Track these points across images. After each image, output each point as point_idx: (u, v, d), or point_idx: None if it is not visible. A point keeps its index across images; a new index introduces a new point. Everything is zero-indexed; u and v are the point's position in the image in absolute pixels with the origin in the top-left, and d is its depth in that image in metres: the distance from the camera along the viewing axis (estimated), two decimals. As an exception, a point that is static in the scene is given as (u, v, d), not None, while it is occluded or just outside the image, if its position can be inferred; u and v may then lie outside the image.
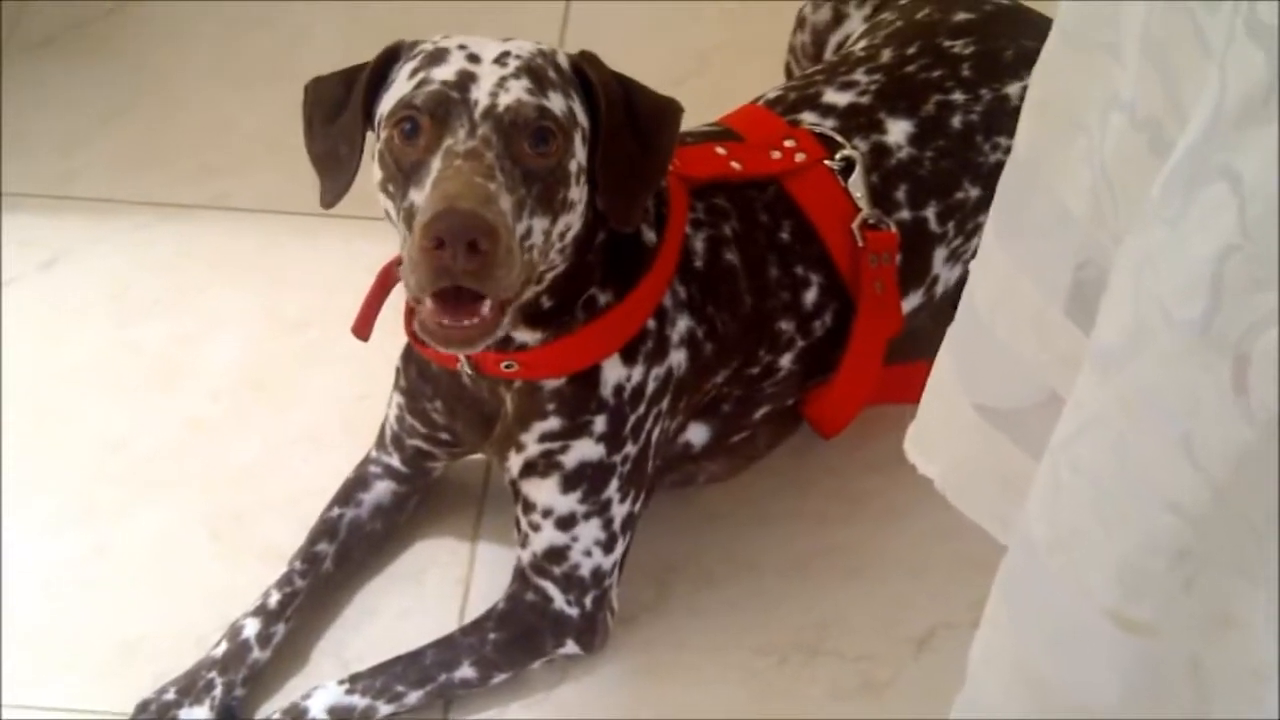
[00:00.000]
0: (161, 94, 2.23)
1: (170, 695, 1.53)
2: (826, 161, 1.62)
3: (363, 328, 1.55)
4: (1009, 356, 1.07)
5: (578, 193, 1.37)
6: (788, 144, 1.62)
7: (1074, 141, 0.98)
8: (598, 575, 1.55)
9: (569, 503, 1.51)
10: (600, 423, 1.49)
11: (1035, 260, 1.02)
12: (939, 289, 1.73)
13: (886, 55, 1.73)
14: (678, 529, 1.72)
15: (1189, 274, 0.71)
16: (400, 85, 1.36)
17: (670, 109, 1.44)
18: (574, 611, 1.55)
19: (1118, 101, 0.89)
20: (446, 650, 1.54)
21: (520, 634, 1.55)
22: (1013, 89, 1.70)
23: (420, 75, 1.35)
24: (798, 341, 1.63)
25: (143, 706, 1.53)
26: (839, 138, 1.64)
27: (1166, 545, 0.78)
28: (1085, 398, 0.83)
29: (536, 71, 1.36)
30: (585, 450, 1.50)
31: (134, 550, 1.71)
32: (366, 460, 1.71)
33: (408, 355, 1.61)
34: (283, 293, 1.98)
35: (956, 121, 1.68)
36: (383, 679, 1.52)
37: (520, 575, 1.57)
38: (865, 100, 1.68)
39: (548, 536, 1.53)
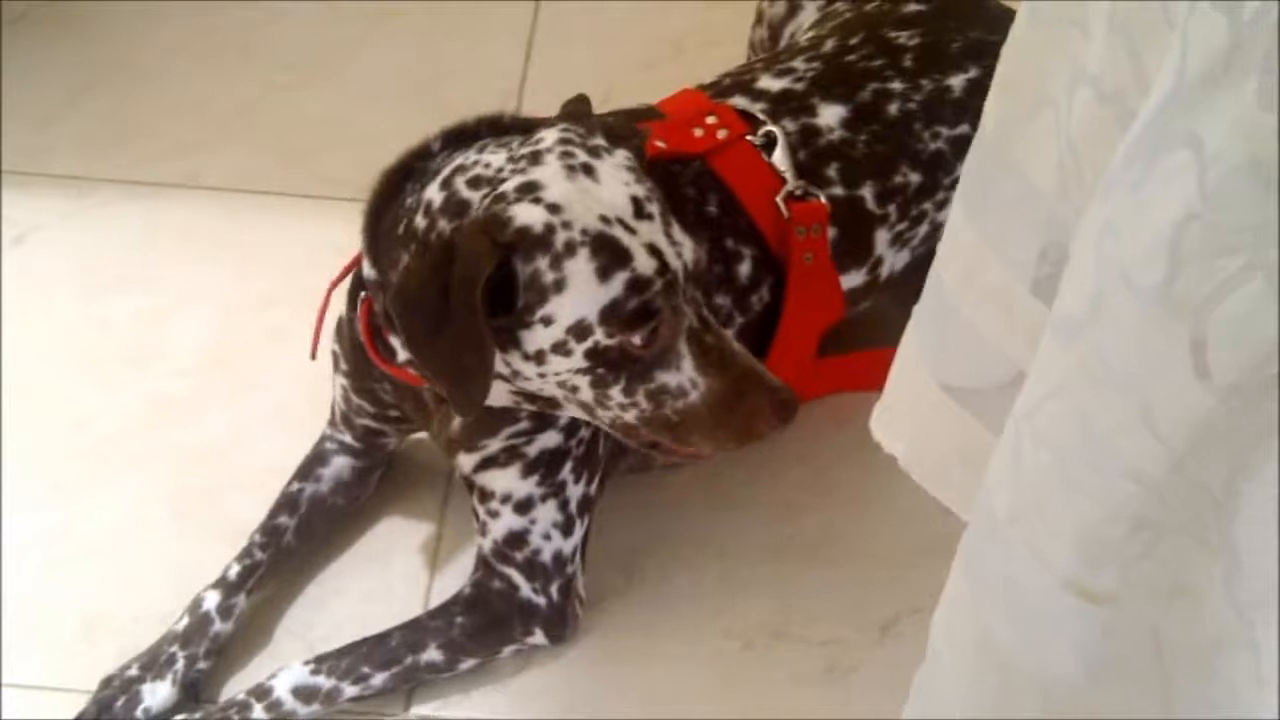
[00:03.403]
0: (132, 71, 2.22)
1: (133, 670, 1.52)
2: (748, 137, 1.62)
3: (315, 352, 1.54)
4: (976, 335, 1.07)
5: None
6: (710, 121, 1.62)
7: (1041, 117, 0.98)
8: (559, 560, 1.54)
9: (527, 486, 1.51)
10: (565, 416, 1.49)
11: (1002, 237, 1.03)
12: (884, 271, 1.73)
13: (829, 45, 1.74)
14: (646, 515, 1.71)
15: (1150, 240, 0.71)
16: (593, 290, 1.28)
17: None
18: (541, 600, 1.55)
19: (1085, 76, 0.90)
20: (413, 633, 1.54)
21: (487, 620, 1.55)
22: (955, 80, 1.70)
23: (622, 276, 1.28)
24: (736, 318, 1.63)
25: (106, 682, 1.52)
26: (760, 115, 1.64)
27: (1126, 514, 0.78)
28: (1047, 367, 0.83)
29: (655, 194, 1.35)
30: (547, 440, 1.50)
31: (99, 527, 1.70)
32: (323, 437, 1.70)
33: (342, 337, 1.58)
34: (251, 271, 1.97)
35: (894, 109, 1.68)
36: (348, 660, 1.51)
37: (484, 563, 1.56)
38: (799, 86, 1.68)
39: (506, 522, 1.52)
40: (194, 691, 1.54)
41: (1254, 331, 0.68)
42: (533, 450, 1.50)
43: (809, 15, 1.90)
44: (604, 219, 1.28)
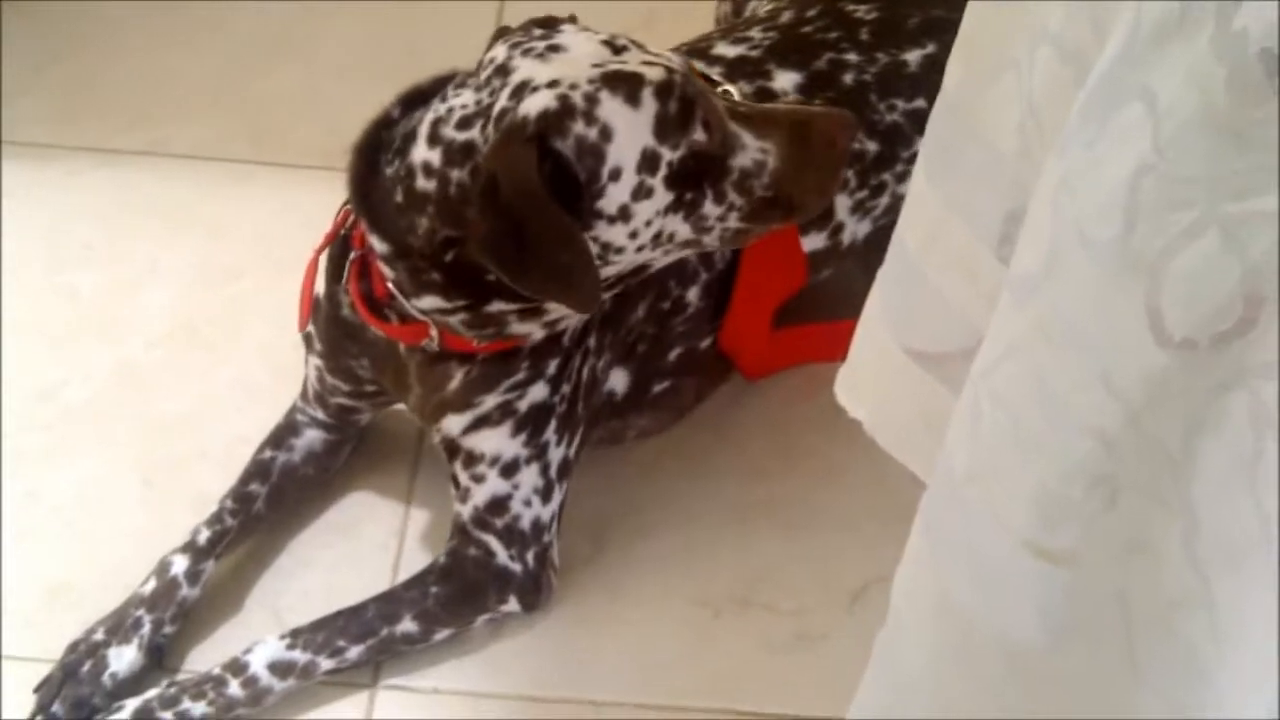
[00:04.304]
0: (99, 43, 2.19)
1: (99, 635, 1.52)
2: None
3: (305, 323, 1.55)
4: (939, 299, 1.06)
5: None
6: None
7: (1003, 79, 0.97)
8: (537, 528, 1.54)
9: (515, 446, 1.51)
10: (553, 365, 1.50)
11: (966, 200, 1.02)
12: (844, 237, 1.74)
13: (787, 16, 1.75)
14: (613, 483, 1.71)
15: (1105, 195, 0.71)
16: (634, 118, 1.31)
17: None
18: (517, 568, 1.54)
19: (1046, 35, 0.89)
20: (388, 604, 1.53)
21: (463, 589, 1.54)
22: (912, 55, 1.71)
23: (647, 92, 1.31)
24: (701, 273, 1.64)
25: (72, 647, 1.52)
26: (715, 76, 1.64)
27: (1083, 473, 0.77)
28: (1004, 326, 0.83)
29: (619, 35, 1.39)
30: (537, 393, 1.50)
31: (64, 498, 1.69)
32: (294, 408, 1.69)
33: (322, 319, 1.57)
34: (218, 241, 1.95)
35: (849, 79, 1.69)
36: (324, 634, 1.50)
37: (461, 530, 1.55)
38: (755, 54, 1.69)
39: (491, 487, 1.52)
40: (159, 656, 1.53)
41: (1208, 286, 0.68)
42: (523, 405, 1.50)
43: None
44: (597, 65, 1.32)
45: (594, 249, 1.33)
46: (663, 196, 1.34)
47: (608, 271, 1.38)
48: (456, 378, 1.50)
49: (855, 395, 1.17)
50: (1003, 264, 1.02)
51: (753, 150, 1.37)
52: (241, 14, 2.24)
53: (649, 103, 1.31)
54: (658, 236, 1.36)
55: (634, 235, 1.35)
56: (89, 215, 1.98)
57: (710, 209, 1.37)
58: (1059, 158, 0.76)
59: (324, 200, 1.91)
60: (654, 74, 1.32)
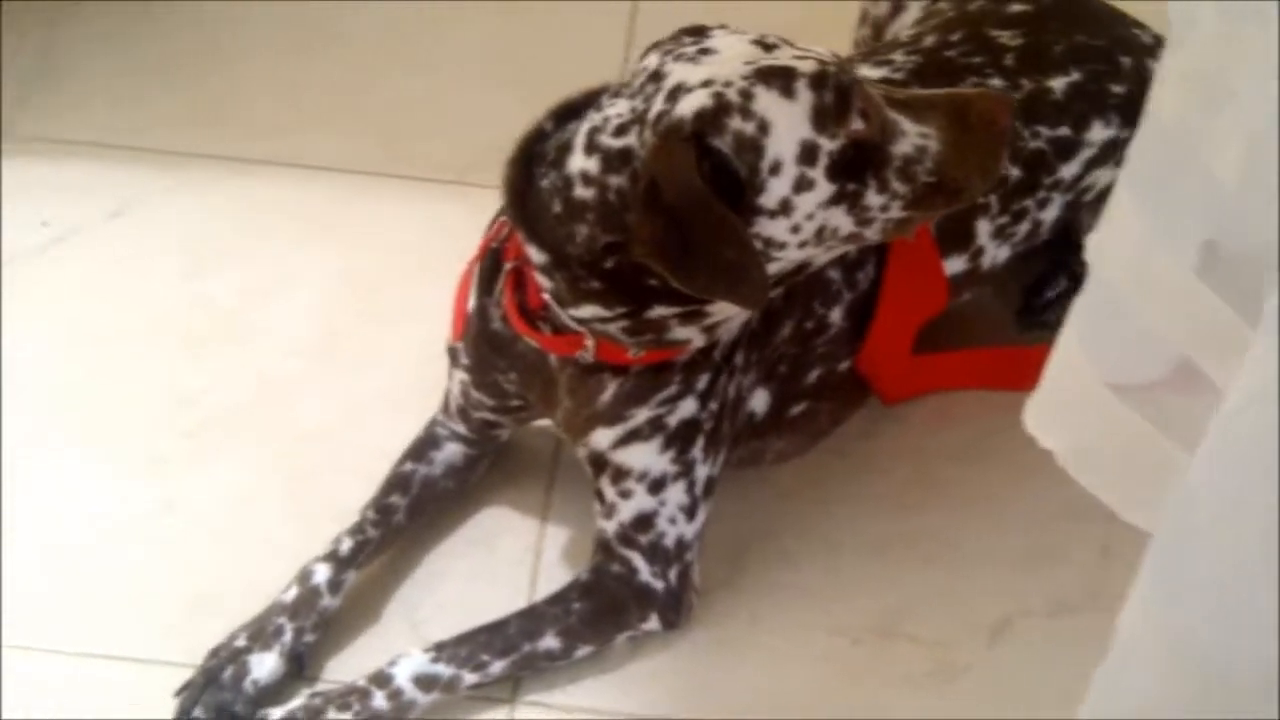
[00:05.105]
0: (226, 53, 2.21)
1: (241, 641, 1.52)
2: None
3: (460, 334, 1.56)
4: (1142, 330, 1.05)
5: None
6: None
7: (1224, 110, 0.96)
8: (681, 546, 1.53)
9: (663, 463, 1.50)
10: (704, 380, 1.49)
11: (1175, 228, 1.00)
12: (985, 261, 1.73)
13: (930, 40, 1.74)
14: (751, 508, 1.70)
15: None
16: (791, 110, 1.30)
17: None
18: (659, 585, 1.54)
19: (1273, 71, 0.88)
20: (530, 620, 1.53)
21: (605, 605, 1.54)
22: (1057, 83, 1.70)
23: (801, 83, 1.31)
24: (844, 294, 1.63)
25: (213, 653, 1.52)
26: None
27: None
28: (1257, 364, 0.81)
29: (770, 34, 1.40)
30: (687, 408, 1.50)
31: (204, 506, 1.69)
32: (434, 422, 1.69)
33: (469, 333, 1.57)
34: (352, 252, 1.96)
35: None
36: (468, 648, 1.50)
37: (604, 546, 1.55)
38: (898, 76, 1.68)
39: (638, 503, 1.51)
40: (300, 664, 1.53)
41: None
42: (674, 420, 1.49)
43: (912, 15, 1.89)
44: (749, 63, 1.32)
45: (757, 245, 1.33)
46: (824, 188, 1.32)
47: (771, 269, 1.36)
48: (609, 389, 1.49)
49: (1048, 426, 1.14)
50: (1209, 289, 1.00)
51: (913, 136, 1.36)
52: (369, 21, 2.25)
53: (804, 94, 1.30)
54: (820, 231, 1.35)
55: (796, 229, 1.34)
56: (224, 223, 1.99)
57: (873, 199, 1.35)
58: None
59: (455, 214, 1.95)
60: (807, 66, 1.32)
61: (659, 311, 1.39)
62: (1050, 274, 1.87)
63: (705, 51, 1.34)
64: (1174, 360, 1.03)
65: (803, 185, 1.32)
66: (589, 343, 1.44)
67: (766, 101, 1.30)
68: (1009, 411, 1.76)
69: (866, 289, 1.65)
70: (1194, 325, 1.00)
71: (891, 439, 1.77)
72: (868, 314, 1.66)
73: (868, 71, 1.68)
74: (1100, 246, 1.11)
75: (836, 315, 1.64)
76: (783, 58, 1.33)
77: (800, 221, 1.33)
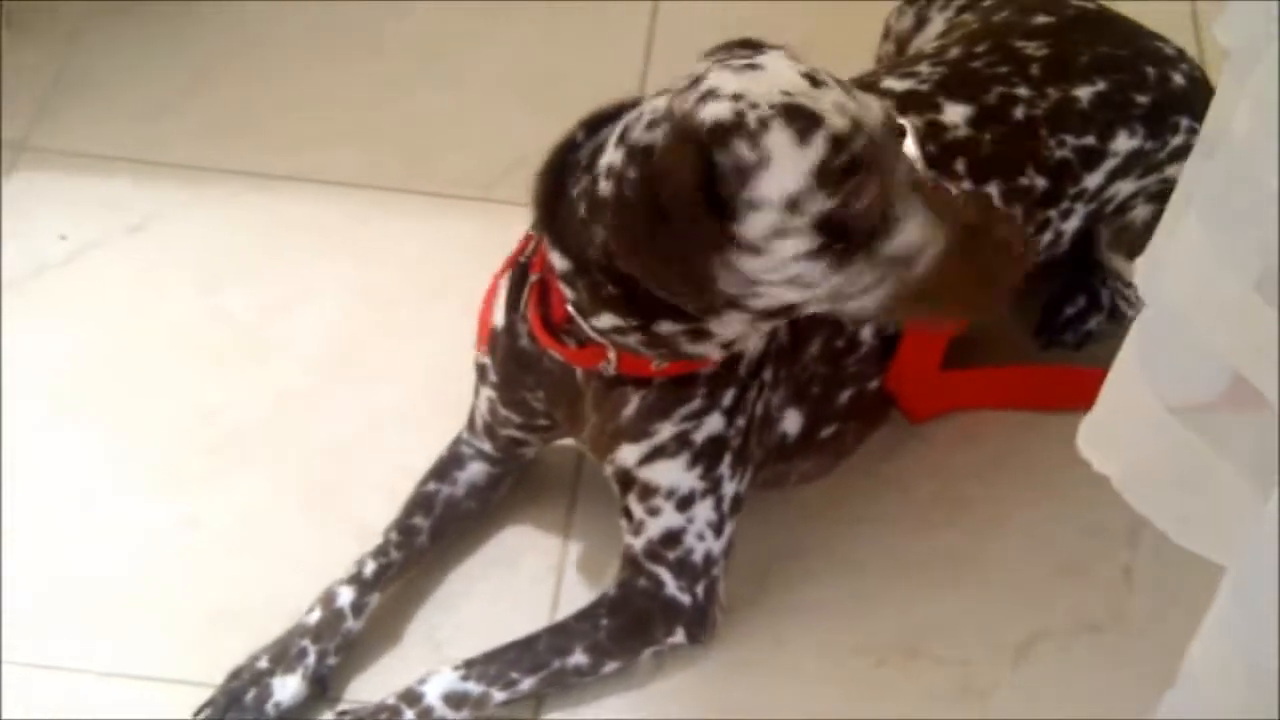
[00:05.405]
0: (252, 64, 2.20)
1: (263, 663, 1.51)
2: None
3: (484, 343, 1.54)
4: (1200, 349, 1.03)
5: None
6: None
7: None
8: (708, 561, 1.53)
9: (691, 480, 1.49)
10: (729, 396, 1.48)
11: (1244, 248, 1.00)
12: None
13: (954, 52, 1.73)
14: (776, 528, 1.69)
15: None
16: (796, 157, 1.24)
17: None
18: (686, 599, 1.53)
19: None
20: (560, 636, 1.52)
21: (632, 621, 1.53)
22: (1083, 92, 1.70)
23: (820, 135, 1.25)
24: None
25: (235, 674, 1.51)
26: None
27: None
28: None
29: (824, 70, 1.34)
30: (713, 424, 1.48)
31: (224, 522, 1.68)
32: (459, 440, 1.68)
33: (498, 350, 1.56)
34: (371, 267, 1.95)
35: (1019, 113, 1.67)
36: (497, 665, 1.49)
37: (632, 562, 1.54)
38: (924, 88, 1.67)
39: (666, 520, 1.51)
40: (323, 687, 1.52)
41: None
42: (700, 436, 1.48)
43: (936, 29, 1.89)
44: (786, 93, 1.26)
45: (741, 286, 1.30)
46: (804, 242, 1.26)
47: (756, 304, 1.33)
48: (633, 403, 1.48)
49: (1103, 450, 1.13)
50: (1266, 302, 0.99)
51: (919, 228, 1.29)
52: (392, 40, 2.24)
53: (818, 146, 1.24)
54: (797, 280, 1.30)
55: (773, 271, 1.29)
56: (243, 237, 1.98)
57: (861, 274, 1.30)
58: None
59: (477, 231, 1.94)
60: (838, 122, 1.25)
61: (666, 328, 1.37)
62: (1067, 292, 1.87)
63: (752, 67, 1.29)
64: (1230, 378, 1.02)
65: (780, 232, 1.26)
66: (611, 355, 1.43)
67: (779, 139, 1.24)
68: (1030, 430, 1.79)
69: None
70: (1254, 343, 0.98)
71: (914, 458, 1.76)
72: (897, 331, 1.66)
73: (893, 83, 1.68)
74: (1157, 268, 1.10)
75: (867, 333, 1.63)
76: (822, 101, 1.26)
77: (777, 265, 1.28)
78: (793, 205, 1.25)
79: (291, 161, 2.06)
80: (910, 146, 1.59)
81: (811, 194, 1.24)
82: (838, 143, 1.25)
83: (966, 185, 1.63)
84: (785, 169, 1.24)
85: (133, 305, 1.90)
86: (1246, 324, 0.96)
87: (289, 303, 1.91)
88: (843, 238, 1.27)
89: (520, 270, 1.49)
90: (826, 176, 1.24)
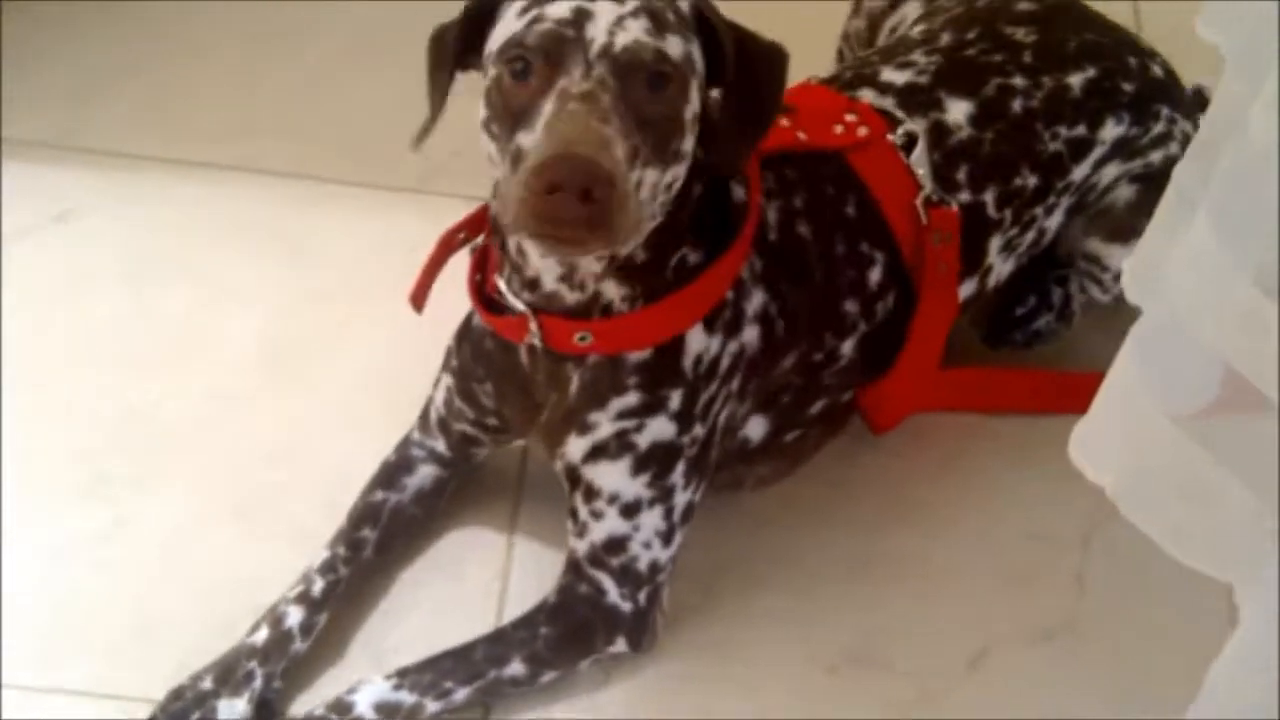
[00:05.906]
0: (182, 50, 2.14)
1: (207, 684, 1.45)
2: (889, 136, 1.59)
3: (419, 298, 1.49)
4: (1214, 359, 1.01)
5: (690, 142, 1.30)
6: (849, 118, 1.58)
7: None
8: (654, 569, 1.49)
9: (636, 487, 1.45)
10: (676, 398, 1.44)
11: (1257, 253, 0.97)
12: (991, 280, 1.70)
13: (945, 39, 1.71)
14: (726, 532, 1.66)
15: None
16: (510, 23, 1.29)
17: (778, 55, 1.36)
18: (627, 606, 1.49)
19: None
20: (497, 645, 1.48)
21: (572, 629, 1.49)
22: (1075, 79, 1.69)
23: (532, 13, 1.27)
24: (860, 325, 1.59)
25: (177, 694, 1.45)
26: (900, 114, 1.60)
27: None
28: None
29: (656, 12, 1.28)
30: (659, 428, 1.44)
31: (152, 529, 1.62)
32: (408, 442, 1.63)
33: (462, 335, 1.54)
34: (307, 263, 1.90)
35: (1017, 106, 1.66)
36: (431, 675, 1.45)
37: (574, 567, 1.50)
38: (924, 80, 1.65)
39: (609, 525, 1.47)
40: (269, 711, 1.47)
41: None
42: (643, 441, 1.44)
43: (912, 9, 1.87)
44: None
45: None
46: (494, 69, 1.31)
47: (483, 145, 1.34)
48: (574, 380, 1.44)
49: (1098, 460, 1.10)
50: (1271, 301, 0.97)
51: (534, 135, 1.26)
52: (326, 28, 2.18)
53: (522, 22, 1.28)
54: (483, 104, 1.33)
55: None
56: (173, 230, 1.92)
57: (499, 145, 1.29)
58: None
59: (414, 224, 1.88)
60: (556, 11, 1.27)
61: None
62: (1018, 292, 1.84)
63: None
64: (1233, 383, 1.00)
65: (490, 56, 1.32)
66: (533, 326, 1.40)
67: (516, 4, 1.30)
68: (977, 432, 1.77)
69: (881, 320, 1.60)
70: (1257, 345, 0.96)
71: (865, 463, 1.73)
72: (878, 347, 1.62)
73: (893, 75, 1.66)
74: (1156, 273, 1.07)
75: (848, 347, 1.59)
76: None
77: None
78: (490, 61, 1.30)
79: (224, 151, 2.01)
80: (920, 158, 1.58)
81: (494, 61, 1.29)
82: (534, 22, 1.27)
83: (965, 196, 1.62)
84: (501, 29, 1.30)
85: (57, 298, 1.83)
86: (1263, 329, 0.93)
87: (221, 299, 1.85)
88: (497, 113, 1.28)
89: (483, 253, 1.46)
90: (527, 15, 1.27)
